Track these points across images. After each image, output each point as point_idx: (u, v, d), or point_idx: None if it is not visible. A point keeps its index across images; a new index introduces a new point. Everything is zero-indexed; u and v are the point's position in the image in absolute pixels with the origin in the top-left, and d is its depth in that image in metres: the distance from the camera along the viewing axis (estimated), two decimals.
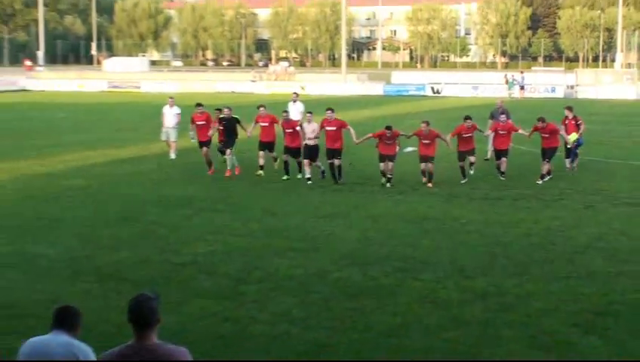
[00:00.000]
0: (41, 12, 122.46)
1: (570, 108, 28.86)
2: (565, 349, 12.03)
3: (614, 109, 53.92)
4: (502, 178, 25.70)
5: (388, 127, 24.86)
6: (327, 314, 13.56)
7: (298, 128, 26.17)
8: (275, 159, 27.51)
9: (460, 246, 18.16)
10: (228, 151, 26.87)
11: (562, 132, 26.60)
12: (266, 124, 27.05)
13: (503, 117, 26.69)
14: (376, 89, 77.67)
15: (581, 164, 28.49)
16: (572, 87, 72.46)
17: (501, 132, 25.76)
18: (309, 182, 25.21)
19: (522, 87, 71.54)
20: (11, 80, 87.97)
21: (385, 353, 11.85)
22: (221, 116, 27.51)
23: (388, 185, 24.75)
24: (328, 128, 24.90)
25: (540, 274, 15.86)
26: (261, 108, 27.42)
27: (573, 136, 27.75)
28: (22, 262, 16.73)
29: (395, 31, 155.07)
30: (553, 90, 71.62)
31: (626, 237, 18.85)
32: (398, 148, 25.00)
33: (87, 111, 58.56)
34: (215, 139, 28.05)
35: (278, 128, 27.15)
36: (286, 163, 26.39)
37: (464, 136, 25.31)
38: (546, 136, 25.70)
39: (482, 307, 13.90)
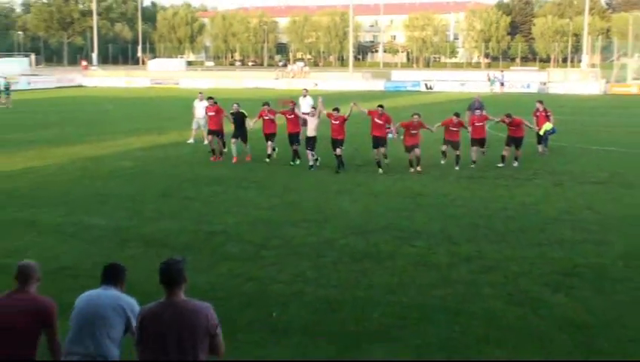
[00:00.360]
0: (95, 20, 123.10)
1: (541, 102, 28.82)
2: (537, 305, 11.91)
3: (580, 103, 53.71)
4: (472, 166, 24.90)
5: (380, 105, 25.16)
6: (336, 275, 13.49)
7: (296, 112, 26.15)
8: (274, 149, 26.92)
9: (448, 218, 18.07)
10: (233, 140, 26.37)
11: (528, 123, 26.21)
12: (271, 117, 26.54)
13: (477, 111, 26.30)
14: (378, 85, 77.67)
15: (551, 148, 28.30)
16: (544, 83, 72.40)
17: (477, 124, 25.23)
18: (312, 168, 24.71)
19: (502, 84, 71.67)
20: (70, 77, 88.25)
21: (385, 308, 11.73)
22: (231, 111, 26.97)
23: (381, 170, 24.04)
24: (334, 122, 24.43)
25: (516, 242, 15.77)
26: (265, 106, 26.77)
27: (547, 126, 27.80)
28: (78, 230, 16.68)
29: (394, 36, 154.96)
30: (528, 87, 71.53)
31: (589, 211, 18.71)
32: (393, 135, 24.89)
33: (133, 104, 58.50)
34: (229, 128, 27.64)
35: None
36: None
37: (451, 128, 24.68)
38: (513, 128, 25.35)
39: (467, 269, 13.82)
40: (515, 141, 25.34)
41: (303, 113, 26.93)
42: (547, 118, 27.96)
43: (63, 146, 30.72)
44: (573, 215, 18.32)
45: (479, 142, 25.28)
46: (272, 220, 17.79)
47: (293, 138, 25.90)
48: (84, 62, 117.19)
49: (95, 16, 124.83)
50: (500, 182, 22.78)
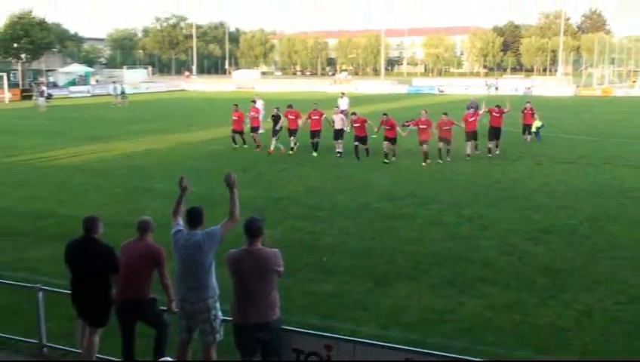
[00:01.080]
0: (194, 42, 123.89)
1: (529, 102, 28.19)
2: (522, 254, 11.78)
3: (556, 102, 52.40)
4: (467, 158, 22.75)
5: (384, 114, 22.81)
6: (370, 230, 13.46)
7: (324, 117, 24.04)
8: (296, 143, 24.39)
9: (455, 188, 17.87)
10: (274, 139, 24.46)
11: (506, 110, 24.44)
12: (293, 117, 24.30)
13: (471, 110, 24.67)
14: (403, 89, 76.69)
15: (533, 137, 27.74)
16: (529, 88, 70.82)
17: (470, 119, 23.56)
18: (339, 155, 23.28)
19: (497, 88, 70.66)
20: (176, 84, 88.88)
21: (407, 255, 11.66)
22: (272, 114, 25.16)
23: (386, 160, 21.95)
24: (355, 125, 22.86)
25: (506, 207, 15.57)
26: (288, 107, 24.58)
27: (537, 123, 27.36)
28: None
29: (415, 52, 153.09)
30: (517, 90, 69.81)
31: (563, 184, 18.34)
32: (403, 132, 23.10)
33: (221, 103, 58.64)
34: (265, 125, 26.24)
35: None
36: (313, 144, 23.96)
37: (443, 128, 22.23)
38: (497, 115, 23.97)
39: (469, 227, 13.69)
40: (495, 131, 23.81)
41: (341, 110, 26.19)
42: (532, 116, 27.32)
43: (171, 134, 31.05)
44: (550, 187, 18.01)
45: (472, 135, 23.25)
46: (323, 189, 17.79)
47: (314, 134, 23.96)
48: (186, 73, 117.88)
49: (195, 39, 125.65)
50: (495, 162, 22.49)
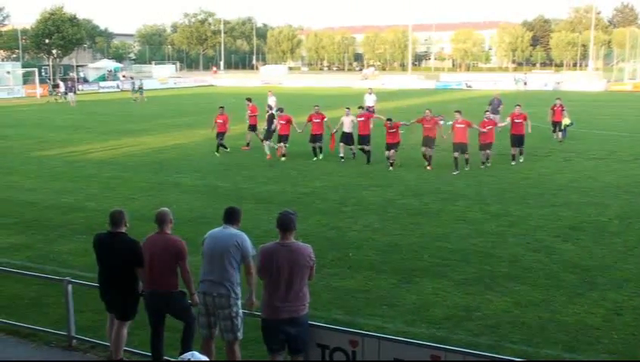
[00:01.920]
0: (222, 37, 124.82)
1: (559, 99, 27.38)
2: (550, 251, 11.59)
3: (586, 97, 51.60)
4: (481, 167, 19.88)
5: (388, 119, 20.29)
6: (396, 226, 13.37)
7: (326, 120, 22.02)
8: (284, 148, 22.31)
9: (481, 184, 17.68)
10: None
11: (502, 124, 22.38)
12: (284, 122, 22.29)
13: (487, 114, 21.28)
14: (431, 85, 75.94)
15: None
16: (559, 83, 69.83)
17: (486, 129, 20.08)
18: (342, 160, 21.34)
19: (525, 83, 69.73)
20: (204, 79, 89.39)
21: (433, 251, 11.57)
22: (267, 113, 24.30)
23: (391, 168, 19.98)
24: (359, 119, 21.31)
25: (534, 203, 15.35)
26: (281, 112, 22.95)
27: (566, 121, 26.20)
28: (209, 190, 16.96)
29: (443, 47, 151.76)
30: (546, 85, 69.02)
31: (592, 180, 18.03)
32: (441, 122, 22.46)
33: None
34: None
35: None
36: (314, 149, 22.16)
37: (457, 125, 19.57)
38: (518, 122, 21.28)
39: (496, 223, 13.52)
40: (517, 139, 21.16)
41: (368, 107, 25.70)
42: (562, 112, 26.32)
43: (198, 129, 31.15)
44: (579, 183, 17.71)
45: (487, 146, 20.24)
46: (349, 185, 17.74)
47: (315, 138, 22.07)
48: (214, 68, 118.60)
49: (222, 35, 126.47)
50: (523, 157, 22.08)
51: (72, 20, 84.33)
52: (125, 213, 7.15)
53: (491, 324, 8.43)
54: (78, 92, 51.31)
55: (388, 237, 12.50)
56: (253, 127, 24.77)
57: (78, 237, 12.65)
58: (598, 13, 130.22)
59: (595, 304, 9.10)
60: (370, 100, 30.00)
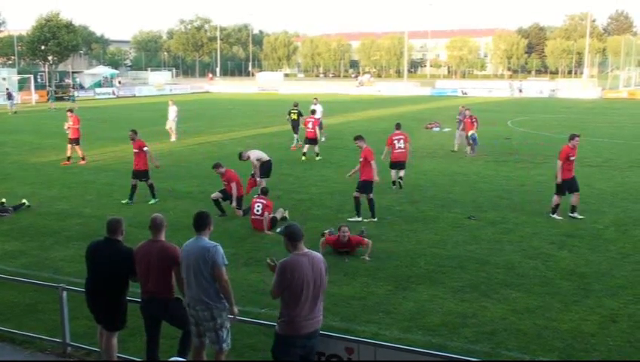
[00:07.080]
0: (218, 44, 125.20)
1: (468, 109, 25.04)
2: (546, 258, 11.62)
3: (581, 105, 51.78)
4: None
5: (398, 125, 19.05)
6: (393, 232, 13.39)
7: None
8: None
9: (478, 191, 17.72)
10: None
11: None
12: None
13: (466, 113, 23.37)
14: (426, 92, 76.26)
15: (555, 140, 27.33)
16: (554, 90, 70.15)
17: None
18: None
19: (520, 90, 70.04)
20: (199, 85, 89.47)
21: (429, 258, 11.57)
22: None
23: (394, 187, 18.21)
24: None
25: (530, 210, 15.39)
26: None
27: (470, 132, 24.33)
28: (204, 197, 16.74)
29: (438, 54, 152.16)
30: (541, 92, 69.37)
31: (588, 187, 18.03)
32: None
33: (245, 105, 58.94)
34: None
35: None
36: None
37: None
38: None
39: (492, 230, 13.56)
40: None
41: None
42: (472, 125, 24.48)
43: (194, 135, 31.21)
44: None
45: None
46: (345, 191, 17.66)
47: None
48: (210, 75, 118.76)
49: (218, 41, 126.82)
50: (519, 165, 22.26)
51: (68, 27, 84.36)
52: (123, 221, 7.13)
53: (487, 331, 8.43)
54: (76, 98, 51.11)
55: (384, 244, 12.49)
56: (75, 141, 23.18)
57: (73, 243, 12.61)
58: (593, 21, 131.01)
59: (591, 311, 9.11)
60: (318, 111, 26.86)
